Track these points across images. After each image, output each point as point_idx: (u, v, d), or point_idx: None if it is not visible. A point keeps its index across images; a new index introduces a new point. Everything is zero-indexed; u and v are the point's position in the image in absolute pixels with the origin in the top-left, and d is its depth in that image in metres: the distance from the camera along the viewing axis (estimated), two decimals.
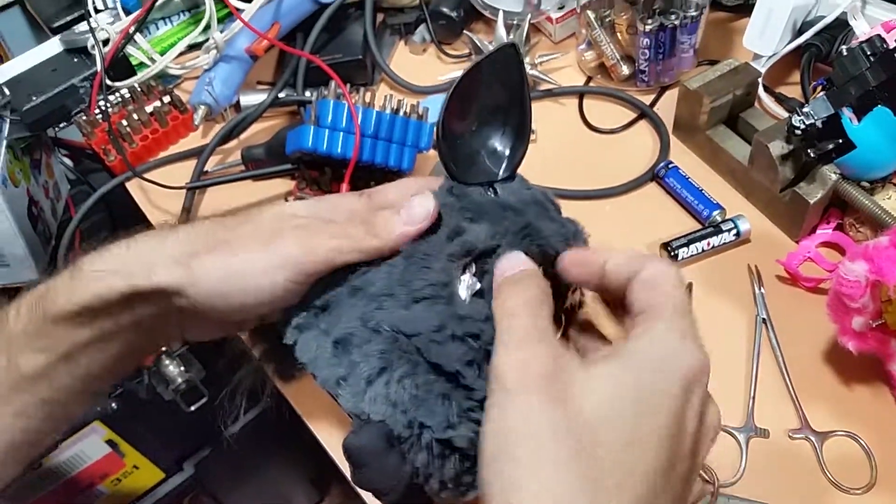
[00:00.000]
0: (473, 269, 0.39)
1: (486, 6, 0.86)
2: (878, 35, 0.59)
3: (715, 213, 0.67)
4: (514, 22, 0.83)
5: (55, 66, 0.83)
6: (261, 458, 1.23)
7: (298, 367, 0.41)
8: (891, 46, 0.56)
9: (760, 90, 0.74)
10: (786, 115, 0.72)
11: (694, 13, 0.74)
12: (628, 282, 0.34)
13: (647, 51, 0.76)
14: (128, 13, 0.81)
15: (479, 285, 0.38)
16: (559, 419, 0.29)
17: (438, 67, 0.87)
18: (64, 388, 0.40)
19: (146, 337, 0.41)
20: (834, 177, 0.62)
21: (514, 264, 0.37)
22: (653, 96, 0.80)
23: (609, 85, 0.82)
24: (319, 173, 0.71)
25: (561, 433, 0.29)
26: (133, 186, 0.79)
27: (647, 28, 0.74)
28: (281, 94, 0.80)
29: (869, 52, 0.57)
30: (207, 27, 0.79)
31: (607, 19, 0.79)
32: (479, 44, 0.84)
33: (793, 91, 0.76)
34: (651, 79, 0.79)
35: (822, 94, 0.60)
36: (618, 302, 0.36)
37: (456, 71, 0.84)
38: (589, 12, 0.79)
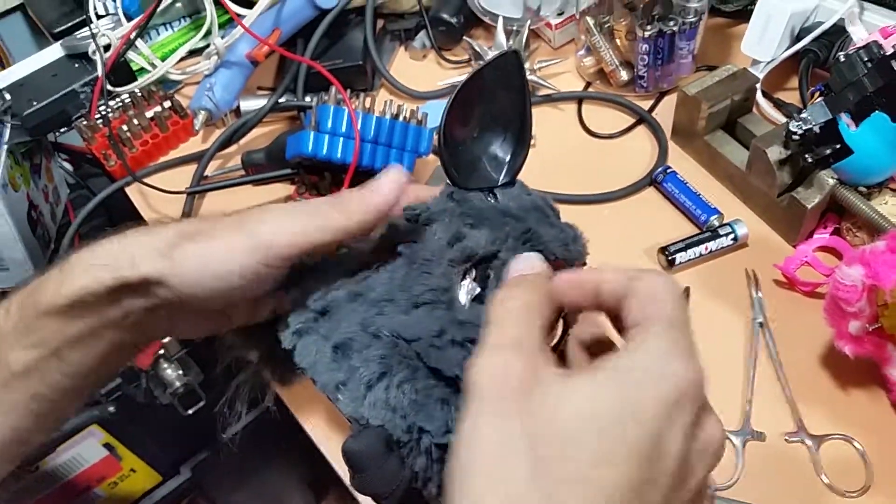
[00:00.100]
0: (474, 274, 0.39)
1: (485, 12, 0.86)
2: (876, 41, 0.59)
3: (713, 217, 0.68)
4: (514, 28, 0.84)
5: (56, 72, 0.83)
6: (258, 462, 1.23)
7: (297, 371, 0.41)
8: (888, 52, 0.56)
9: (758, 96, 0.74)
10: (784, 120, 0.72)
11: (692, 19, 0.74)
12: (624, 299, 0.33)
13: (645, 56, 0.77)
14: (129, 19, 0.81)
15: (479, 290, 0.38)
16: (524, 432, 0.28)
17: (438, 73, 0.87)
18: (54, 385, 0.40)
19: (135, 332, 0.41)
20: (831, 182, 0.62)
21: (520, 267, 0.37)
22: (651, 102, 0.81)
23: (608, 90, 0.82)
24: (319, 178, 0.72)
25: (523, 447, 0.28)
26: (133, 191, 0.80)
27: (646, 34, 0.74)
28: (281, 100, 0.80)
29: (866, 58, 0.57)
30: (208, 33, 0.79)
31: (606, 25, 0.79)
32: (478, 50, 0.84)
33: (791, 97, 0.77)
34: (650, 84, 0.80)
35: (819, 99, 0.61)
36: (618, 319, 0.35)
37: (455, 77, 0.85)
38: (588, 18, 0.79)
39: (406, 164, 0.68)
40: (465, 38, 0.86)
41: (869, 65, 0.57)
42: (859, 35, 0.71)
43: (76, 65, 0.84)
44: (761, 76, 0.74)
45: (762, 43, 0.74)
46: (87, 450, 1.00)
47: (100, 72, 0.78)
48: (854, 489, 0.53)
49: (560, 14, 0.85)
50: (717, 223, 0.67)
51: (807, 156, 0.61)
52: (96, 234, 0.40)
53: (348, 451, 0.35)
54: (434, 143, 0.70)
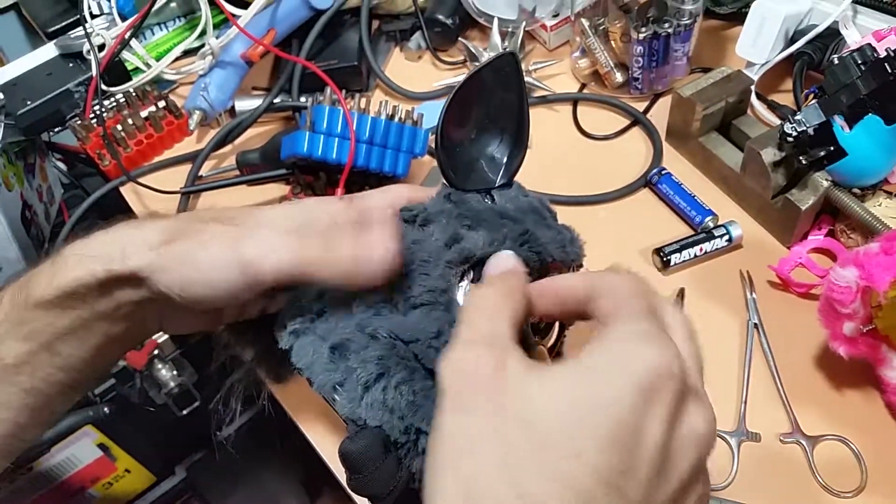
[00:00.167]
0: (471, 275, 0.39)
1: (481, 13, 0.86)
2: (869, 44, 0.60)
3: (707, 219, 0.68)
4: (509, 29, 0.84)
5: (50, 71, 0.83)
6: (252, 462, 1.23)
7: (293, 371, 0.41)
8: (881, 55, 0.56)
9: (753, 98, 0.74)
10: (778, 122, 0.73)
11: (687, 21, 0.75)
12: (591, 302, 0.33)
13: (640, 58, 0.77)
14: (123, 18, 0.81)
15: None
16: (494, 426, 0.28)
17: (433, 74, 0.87)
18: (46, 378, 0.40)
19: (125, 326, 0.41)
20: (825, 183, 0.62)
21: (498, 264, 0.37)
22: (646, 103, 0.81)
23: (603, 92, 0.83)
24: (314, 178, 0.72)
25: (493, 441, 0.28)
26: (127, 191, 0.79)
27: (641, 36, 0.75)
28: (276, 100, 0.80)
29: (860, 61, 0.57)
30: (203, 33, 0.79)
31: (601, 27, 0.79)
32: (474, 51, 0.84)
33: (785, 99, 0.77)
34: (644, 86, 0.80)
35: (813, 101, 0.61)
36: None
37: (451, 77, 0.85)
38: (583, 20, 0.79)
39: (401, 164, 0.68)
40: (460, 39, 0.86)
41: (863, 67, 0.57)
42: (853, 38, 0.72)
43: (70, 64, 0.83)
44: (756, 78, 0.74)
45: (756, 45, 0.74)
46: (81, 450, 1.00)
47: (94, 71, 0.78)
48: (849, 490, 0.53)
49: (555, 16, 0.85)
50: (711, 224, 0.68)
51: (801, 158, 0.61)
52: (90, 234, 0.40)
53: (346, 453, 0.35)
54: (430, 144, 0.70)
